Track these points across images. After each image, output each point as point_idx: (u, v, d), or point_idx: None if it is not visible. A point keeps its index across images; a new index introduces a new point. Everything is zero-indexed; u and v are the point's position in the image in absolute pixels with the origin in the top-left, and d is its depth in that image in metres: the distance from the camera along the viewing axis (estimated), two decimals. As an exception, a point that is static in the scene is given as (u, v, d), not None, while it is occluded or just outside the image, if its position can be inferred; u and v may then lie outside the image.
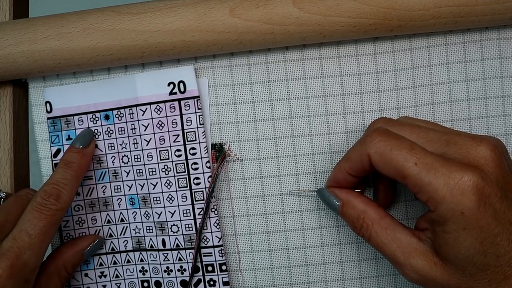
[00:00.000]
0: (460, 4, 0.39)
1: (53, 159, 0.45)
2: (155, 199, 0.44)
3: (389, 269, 0.44)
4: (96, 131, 0.44)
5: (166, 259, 0.44)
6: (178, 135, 0.43)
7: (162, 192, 0.43)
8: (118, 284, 0.45)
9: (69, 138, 0.44)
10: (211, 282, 0.44)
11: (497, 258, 0.34)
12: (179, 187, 0.43)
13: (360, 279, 0.44)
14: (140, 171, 0.44)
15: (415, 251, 0.37)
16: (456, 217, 0.34)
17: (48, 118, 0.44)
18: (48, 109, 0.44)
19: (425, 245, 0.36)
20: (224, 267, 0.44)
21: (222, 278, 0.44)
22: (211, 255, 0.44)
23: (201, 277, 0.44)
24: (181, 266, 0.44)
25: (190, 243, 0.44)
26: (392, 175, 0.36)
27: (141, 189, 0.44)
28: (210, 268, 0.44)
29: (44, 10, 0.48)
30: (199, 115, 0.43)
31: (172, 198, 0.43)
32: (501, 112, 0.43)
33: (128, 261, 0.45)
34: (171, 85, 0.42)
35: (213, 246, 0.44)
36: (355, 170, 0.38)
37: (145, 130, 0.43)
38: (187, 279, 0.44)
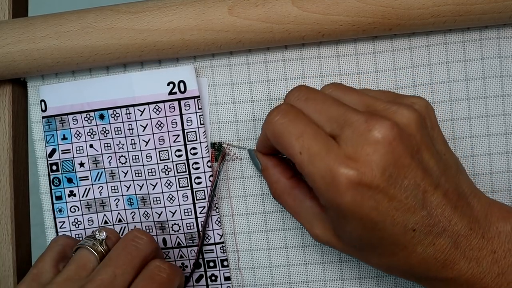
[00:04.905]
0: (460, 3, 0.39)
1: (48, 159, 0.45)
2: (155, 199, 0.43)
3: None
4: (91, 131, 0.44)
5: (167, 257, 0.44)
6: (178, 135, 0.43)
7: (162, 192, 0.43)
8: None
9: (64, 138, 0.44)
10: (213, 277, 0.44)
11: (381, 240, 0.35)
12: (180, 187, 0.43)
13: (359, 279, 0.44)
14: (139, 171, 0.43)
15: (318, 221, 0.39)
16: (334, 208, 0.35)
17: (43, 117, 0.44)
18: (43, 107, 0.44)
19: (326, 216, 0.38)
20: (225, 263, 0.44)
21: (223, 273, 0.44)
22: (213, 252, 0.44)
23: (203, 273, 0.44)
24: (182, 263, 0.44)
25: (191, 241, 0.44)
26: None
27: (140, 190, 0.44)
28: (211, 264, 0.44)
29: (43, 9, 0.48)
30: (199, 115, 0.43)
31: (173, 198, 0.43)
32: (501, 111, 0.42)
33: None
34: (171, 85, 0.42)
35: (215, 243, 0.44)
36: (265, 146, 0.40)
37: (143, 131, 0.43)
38: (189, 275, 0.44)
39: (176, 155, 0.43)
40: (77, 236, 0.45)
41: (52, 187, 0.45)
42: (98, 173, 0.44)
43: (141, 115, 0.43)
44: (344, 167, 0.33)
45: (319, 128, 0.36)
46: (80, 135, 0.44)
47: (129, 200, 0.44)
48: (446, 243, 0.35)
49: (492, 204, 0.37)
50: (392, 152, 0.33)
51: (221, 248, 0.44)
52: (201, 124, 0.43)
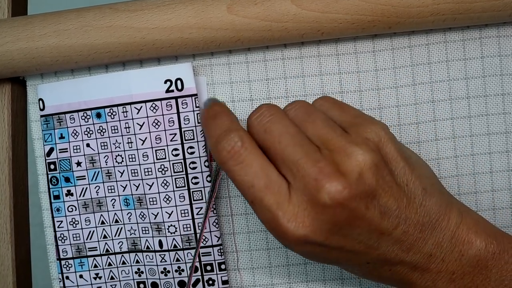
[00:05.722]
0: (459, 1, 0.39)
1: (46, 158, 0.44)
2: (151, 200, 0.43)
3: (388, 269, 0.44)
4: (88, 130, 0.44)
5: (163, 260, 0.44)
6: (175, 134, 0.43)
7: (159, 193, 0.43)
8: (113, 286, 0.45)
9: (61, 137, 0.44)
10: (210, 282, 0.44)
11: (338, 266, 0.39)
12: (176, 187, 0.43)
13: (359, 278, 0.44)
14: (135, 171, 0.43)
15: None
16: (289, 249, 0.37)
17: (41, 116, 0.44)
18: (41, 106, 0.44)
19: None
20: (223, 266, 0.43)
21: (221, 277, 0.44)
22: (210, 255, 0.43)
23: (200, 277, 0.44)
24: (178, 267, 0.44)
25: (188, 244, 0.43)
26: None
27: (136, 190, 0.43)
28: (209, 268, 0.44)
29: (43, 8, 0.48)
30: (197, 114, 0.42)
31: (169, 199, 0.43)
32: (501, 110, 0.42)
33: (124, 263, 0.45)
34: (168, 83, 0.42)
35: (212, 246, 0.43)
36: None
37: (140, 129, 0.43)
38: (185, 279, 0.44)
39: (173, 154, 0.43)
40: (74, 235, 0.45)
41: (50, 186, 0.44)
42: (95, 172, 0.44)
43: (137, 113, 0.42)
44: (292, 225, 0.34)
45: (271, 170, 0.35)
46: (77, 134, 0.44)
47: (125, 200, 0.44)
48: (403, 269, 0.36)
49: (462, 225, 0.36)
50: (341, 212, 0.34)
51: (219, 251, 0.43)
52: (198, 122, 0.42)
